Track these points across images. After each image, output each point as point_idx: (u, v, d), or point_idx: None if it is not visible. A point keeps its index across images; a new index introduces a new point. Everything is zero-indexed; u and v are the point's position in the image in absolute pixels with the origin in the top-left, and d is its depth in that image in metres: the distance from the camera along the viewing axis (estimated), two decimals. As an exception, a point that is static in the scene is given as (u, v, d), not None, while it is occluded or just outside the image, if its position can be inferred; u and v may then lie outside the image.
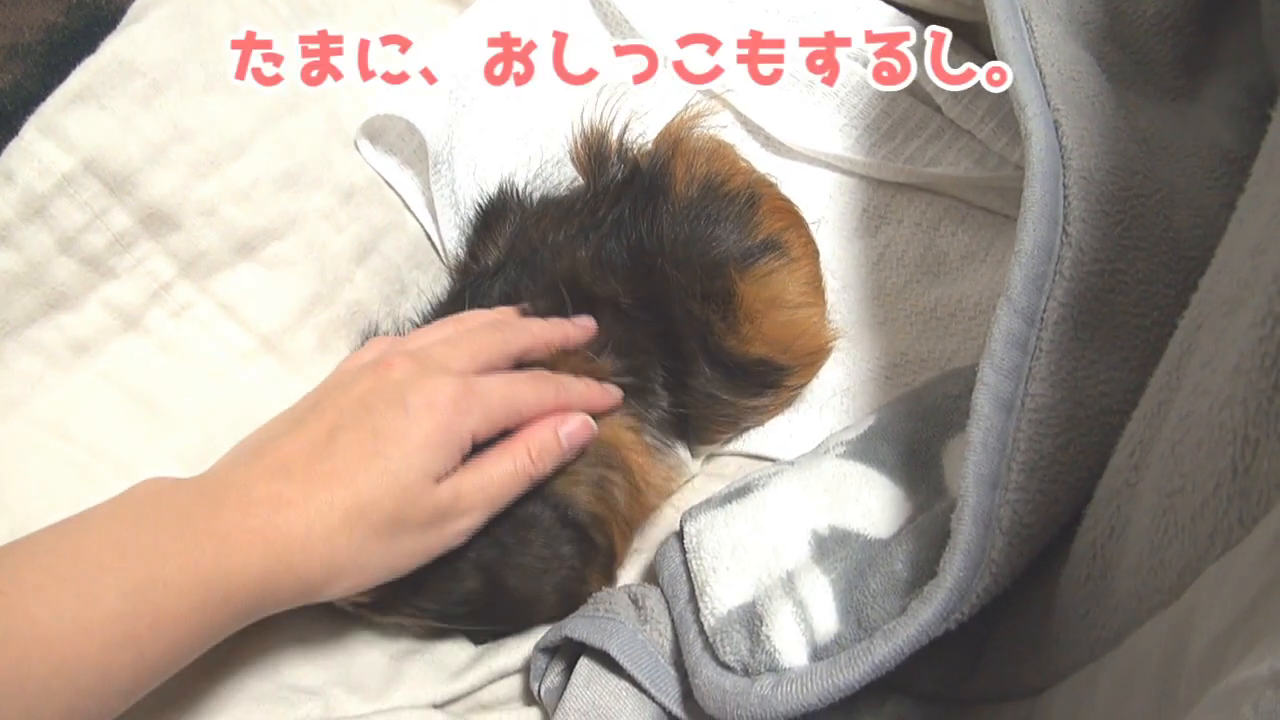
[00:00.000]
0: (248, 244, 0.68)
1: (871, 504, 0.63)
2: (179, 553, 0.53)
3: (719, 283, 0.74)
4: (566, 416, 0.67)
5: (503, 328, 0.69)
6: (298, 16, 0.75)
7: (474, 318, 0.71)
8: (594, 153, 0.83)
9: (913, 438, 0.67)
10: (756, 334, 0.75)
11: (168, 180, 0.65)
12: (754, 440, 0.81)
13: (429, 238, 0.81)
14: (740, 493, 0.67)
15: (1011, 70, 0.67)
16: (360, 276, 0.73)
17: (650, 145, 0.80)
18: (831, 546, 0.61)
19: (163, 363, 0.67)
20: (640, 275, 0.73)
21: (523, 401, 0.66)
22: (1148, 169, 0.65)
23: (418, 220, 0.81)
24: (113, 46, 0.65)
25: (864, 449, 0.67)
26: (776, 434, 0.81)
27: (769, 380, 0.78)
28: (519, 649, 0.68)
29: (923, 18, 0.96)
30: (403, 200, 0.80)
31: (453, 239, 0.81)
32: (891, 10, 0.95)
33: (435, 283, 0.80)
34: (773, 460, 0.79)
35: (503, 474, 0.64)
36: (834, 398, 0.83)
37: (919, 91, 0.94)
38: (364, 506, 0.58)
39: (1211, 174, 0.69)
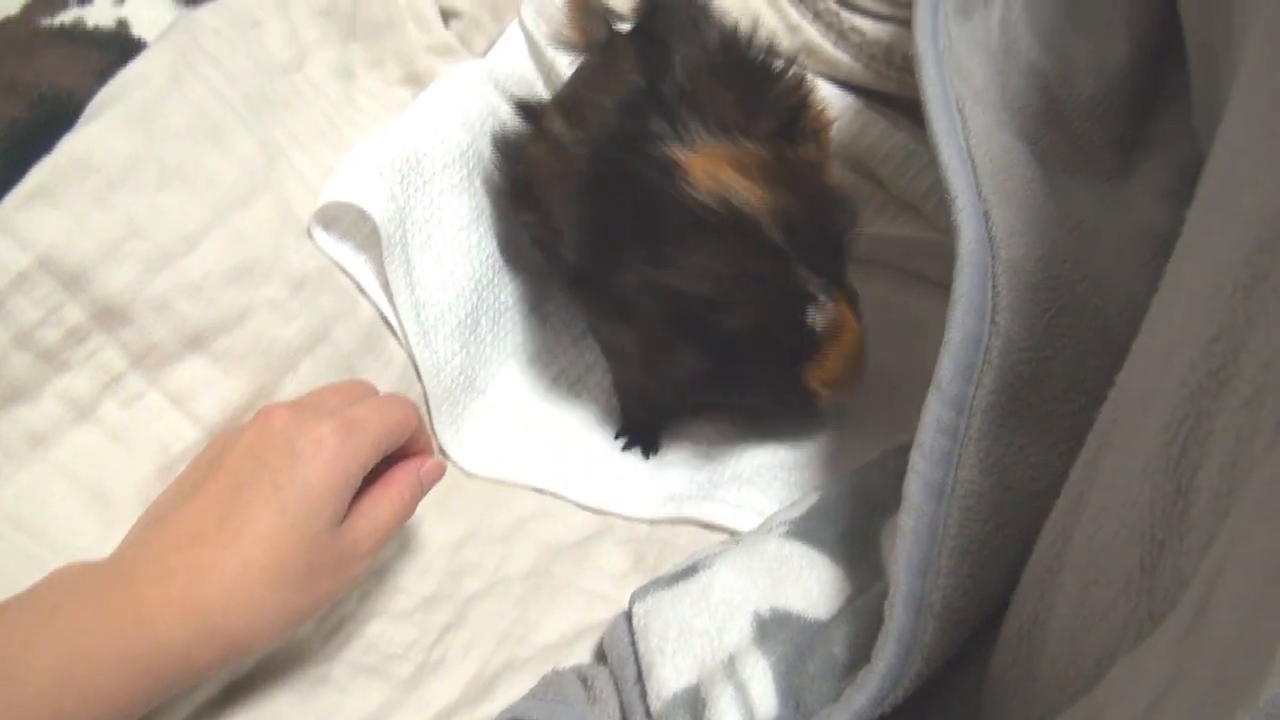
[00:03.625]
0: (197, 337, 0.70)
1: (811, 585, 0.65)
2: (100, 628, 0.55)
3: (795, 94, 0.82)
4: (422, 458, 0.73)
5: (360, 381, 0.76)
6: (254, 110, 0.77)
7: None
8: (586, 11, 0.89)
9: (853, 517, 0.69)
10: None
11: (121, 276, 0.66)
12: (705, 508, 0.82)
13: (384, 320, 0.83)
14: (687, 573, 0.68)
15: (944, 162, 0.69)
16: (306, 366, 0.75)
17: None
18: (772, 629, 0.62)
19: (114, 453, 0.68)
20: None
21: (394, 419, 0.69)
22: (1077, 256, 0.67)
23: (373, 304, 0.82)
24: (68, 145, 0.67)
25: (806, 528, 0.69)
26: (725, 504, 0.82)
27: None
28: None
29: (865, 94, 0.98)
30: (357, 285, 0.81)
31: (410, 318, 0.83)
32: (835, 90, 0.98)
33: (387, 367, 0.82)
34: (722, 528, 0.80)
35: (387, 516, 0.68)
36: (782, 470, 0.84)
37: (861, 167, 0.96)
38: (280, 563, 0.61)
39: (1142, 257, 0.71)
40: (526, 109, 0.85)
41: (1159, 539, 0.42)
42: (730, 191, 0.71)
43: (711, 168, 0.72)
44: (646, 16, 0.85)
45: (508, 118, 0.87)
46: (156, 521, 0.63)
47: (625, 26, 0.88)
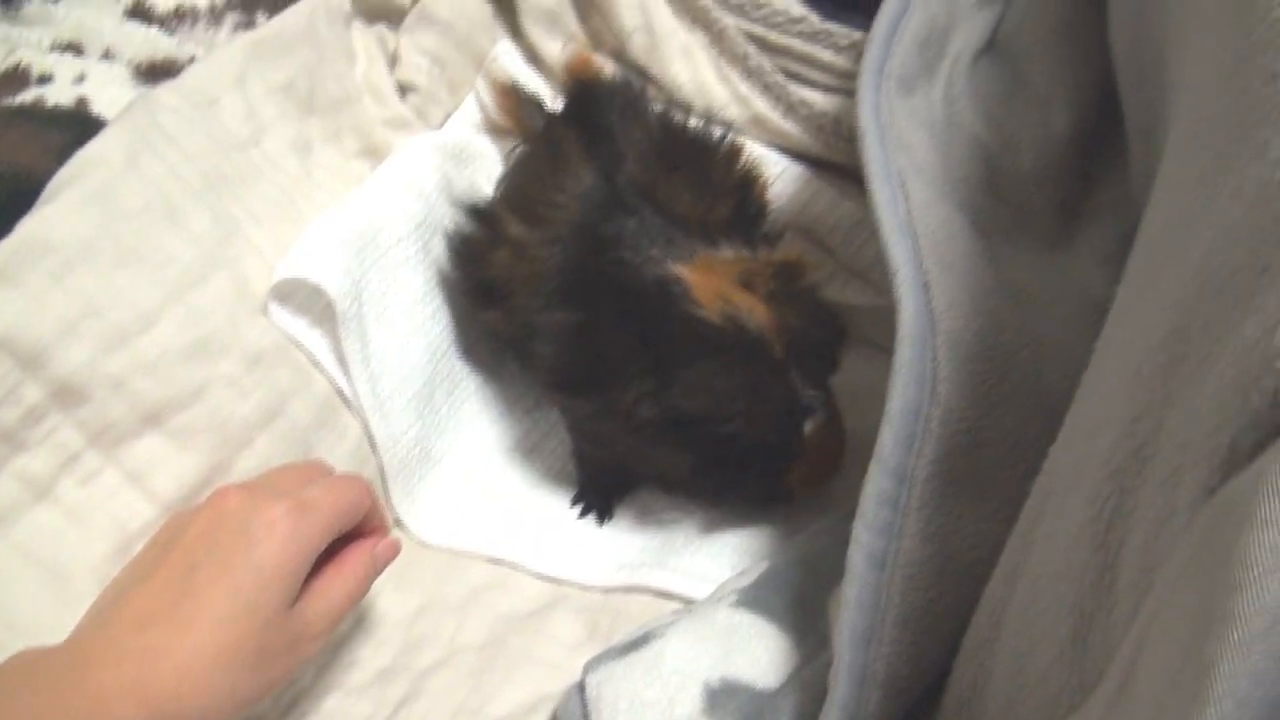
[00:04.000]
0: (154, 415, 0.71)
1: (760, 654, 0.66)
2: (55, 715, 0.56)
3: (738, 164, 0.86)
4: (378, 537, 0.74)
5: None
6: (211, 186, 0.78)
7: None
8: (518, 100, 0.92)
9: (801, 586, 0.70)
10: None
11: (78, 355, 0.67)
12: (658, 576, 0.83)
13: (340, 393, 0.84)
14: (639, 643, 0.69)
15: (885, 235, 0.71)
16: (262, 442, 0.75)
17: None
18: (722, 699, 0.63)
19: (72, 533, 0.69)
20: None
21: (347, 500, 0.70)
22: (1017, 324, 0.69)
23: (328, 377, 0.83)
24: (26, 227, 0.68)
25: (755, 598, 0.70)
26: (677, 571, 0.83)
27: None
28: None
29: (814, 164, 1.00)
30: (312, 360, 0.82)
31: (365, 391, 0.84)
32: (784, 160, 1.00)
33: (343, 440, 0.82)
34: (675, 596, 0.81)
35: (340, 597, 0.69)
36: (733, 536, 0.85)
37: (810, 235, 0.98)
38: (232, 646, 0.61)
39: (1083, 324, 0.72)
40: (480, 214, 0.87)
41: (1088, 611, 0.43)
42: (737, 310, 0.73)
43: (716, 285, 0.74)
44: (583, 101, 0.87)
45: (459, 221, 0.89)
46: (111, 604, 0.63)
47: (557, 108, 0.90)
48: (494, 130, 0.90)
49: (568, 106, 0.89)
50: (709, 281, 0.74)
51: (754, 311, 0.73)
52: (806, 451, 0.78)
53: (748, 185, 0.85)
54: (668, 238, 0.77)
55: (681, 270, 0.75)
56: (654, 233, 0.77)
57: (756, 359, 0.73)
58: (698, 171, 0.82)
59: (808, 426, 0.76)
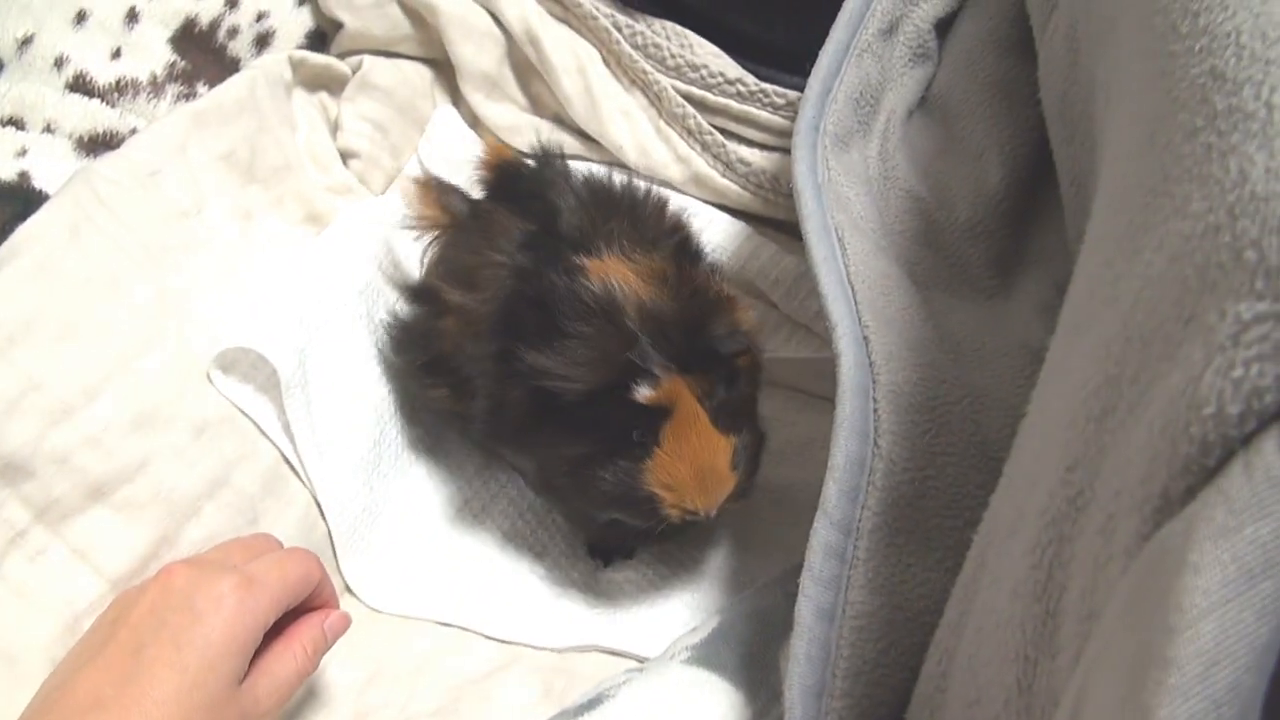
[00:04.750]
0: (99, 489, 0.70)
1: (713, 711, 0.66)
2: None
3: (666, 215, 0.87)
4: (328, 611, 0.73)
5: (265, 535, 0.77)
6: (152, 257, 0.78)
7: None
8: (438, 190, 0.91)
9: (751, 641, 0.70)
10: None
11: (22, 431, 0.67)
12: (610, 635, 0.83)
13: (286, 461, 0.83)
14: (592, 704, 0.69)
15: (824, 290, 0.72)
16: (209, 511, 0.75)
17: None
18: (676, 757, 0.63)
19: (20, 611, 0.68)
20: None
21: (296, 574, 0.70)
22: (955, 376, 0.70)
23: (275, 446, 0.83)
24: (-31, 305, 0.68)
25: (707, 654, 0.70)
26: (630, 629, 0.83)
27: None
28: None
29: (755, 220, 1.02)
30: (258, 427, 0.82)
31: (312, 458, 0.83)
32: (725, 217, 1.01)
33: (290, 507, 0.82)
34: (629, 654, 0.81)
35: (288, 674, 0.68)
36: (685, 592, 0.85)
37: (754, 290, 0.99)
38: None
39: (1021, 373, 0.74)
40: (421, 292, 0.87)
41: (1032, 658, 0.44)
42: (610, 282, 0.73)
43: (608, 268, 0.74)
44: (507, 182, 0.88)
45: (397, 305, 0.90)
46: (59, 687, 0.62)
47: (478, 196, 0.91)
48: (419, 224, 0.89)
49: (493, 188, 0.89)
50: (605, 265, 0.75)
51: (625, 280, 0.73)
52: (658, 441, 0.74)
53: (679, 231, 0.86)
54: (601, 249, 0.77)
55: (587, 260, 0.75)
56: (592, 250, 0.78)
57: (609, 324, 0.72)
58: (632, 224, 0.83)
59: (641, 393, 0.72)
